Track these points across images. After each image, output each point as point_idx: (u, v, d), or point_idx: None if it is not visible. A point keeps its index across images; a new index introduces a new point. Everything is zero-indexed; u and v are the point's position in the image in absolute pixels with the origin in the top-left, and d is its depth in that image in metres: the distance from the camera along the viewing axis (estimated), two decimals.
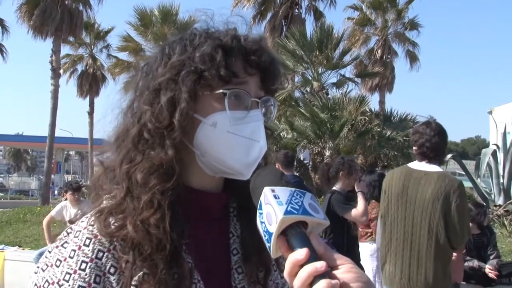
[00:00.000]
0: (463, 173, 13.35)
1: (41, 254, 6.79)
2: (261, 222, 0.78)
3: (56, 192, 31.43)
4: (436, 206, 3.38)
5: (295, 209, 0.75)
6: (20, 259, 7.75)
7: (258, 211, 0.79)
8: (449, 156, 15.48)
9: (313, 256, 0.72)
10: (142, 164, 0.92)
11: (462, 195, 3.38)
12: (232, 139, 0.94)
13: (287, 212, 0.74)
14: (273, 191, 0.78)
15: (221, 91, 0.93)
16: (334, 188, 5.16)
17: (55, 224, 8.68)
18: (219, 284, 0.97)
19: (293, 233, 0.75)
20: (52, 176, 27.63)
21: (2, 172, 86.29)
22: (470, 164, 17.73)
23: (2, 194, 40.83)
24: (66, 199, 7.50)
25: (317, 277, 0.69)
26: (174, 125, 0.91)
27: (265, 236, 0.77)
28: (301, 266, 0.71)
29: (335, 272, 0.72)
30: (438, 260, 3.42)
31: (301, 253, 0.72)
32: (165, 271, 0.87)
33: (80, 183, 10.33)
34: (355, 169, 5.18)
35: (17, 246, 8.81)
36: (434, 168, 3.54)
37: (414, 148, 3.75)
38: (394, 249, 3.58)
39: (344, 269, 0.73)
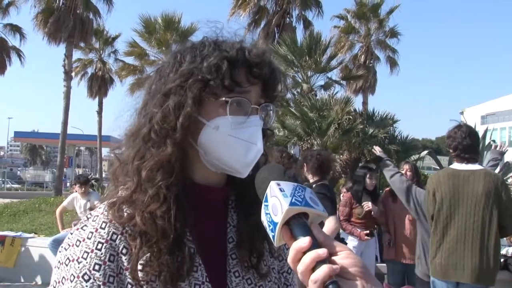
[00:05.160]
0: (438, 168, 13.41)
1: (55, 241, 6.78)
2: (266, 214, 0.78)
3: (68, 184, 31.23)
4: (489, 199, 3.46)
5: (299, 201, 0.76)
6: (36, 245, 7.75)
7: (263, 203, 0.80)
8: (425, 152, 15.56)
9: (315, 244, 0.73)
10: (148, 161, 0.93)
11: (506, 186, 3.50)
12: (232, 141, 0.95)
13: (292, 204, 0.75)
14: (278, 184, 0.79)
15: (223, 99, 0.94)
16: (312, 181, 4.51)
17: (67, 213, 8.67)
18: (216, 269, 0.98)
19: (296, 223, 0.76)
20: (65, 169, 27.41)
21: (19, 166, 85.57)
22: (444, 160, 17.76)
23: (19, 185, 40.34)
24: (76, 191, 7.51)
25: (319, 262, 0.70)
26: (177, 126, 0.93)
27: (269, 226, 0.78)
28: (304, 253, 0.72)
29: (334, 258, 0.73)
30: (494, 249, 3.47)
31: (304, 241, 0.73)
32: (168, 256, 0.89)
33: (89, 176, 10.31)
34: (308, 158, 4.52)
35: (33, 233, 8.79)
36: (477, 167, 3.60)
37: (450, 151, 3.77)
38: (448, 243, 3.57)
39: (343, 255, 0.74)
